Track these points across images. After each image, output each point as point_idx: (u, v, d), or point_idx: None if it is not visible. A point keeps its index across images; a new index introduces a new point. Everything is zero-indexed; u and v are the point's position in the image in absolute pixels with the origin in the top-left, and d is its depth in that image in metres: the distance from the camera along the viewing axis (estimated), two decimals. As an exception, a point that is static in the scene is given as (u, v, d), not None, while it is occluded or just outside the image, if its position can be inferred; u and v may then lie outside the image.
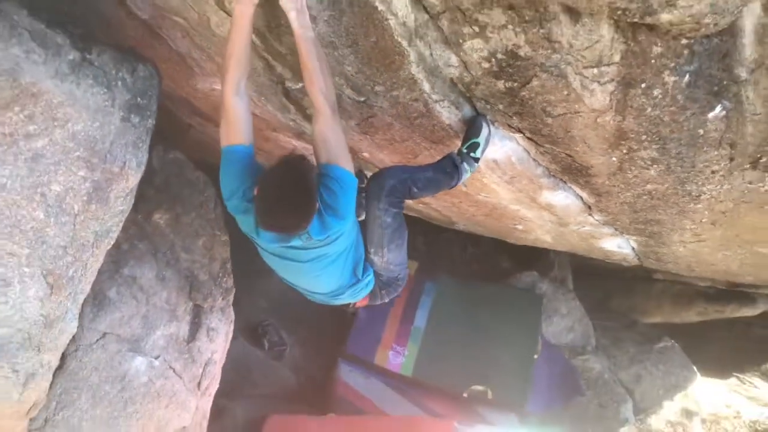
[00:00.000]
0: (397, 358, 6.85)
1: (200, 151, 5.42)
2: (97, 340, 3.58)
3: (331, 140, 2.67)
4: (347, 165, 2.70)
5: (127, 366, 3.69)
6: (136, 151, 3.02)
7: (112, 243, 3.13)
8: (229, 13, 2.95)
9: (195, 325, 4.16)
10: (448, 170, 3.39)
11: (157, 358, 3.85)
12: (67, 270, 2.95)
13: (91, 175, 2.90)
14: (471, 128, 3.43)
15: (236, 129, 2.66)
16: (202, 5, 2.95)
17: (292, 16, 2.56)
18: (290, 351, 7.05)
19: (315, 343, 7.32)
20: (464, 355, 6.84)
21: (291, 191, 2.45)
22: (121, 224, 3.13)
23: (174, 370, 3.95)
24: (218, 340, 4.36)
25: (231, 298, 4.53)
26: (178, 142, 3.40)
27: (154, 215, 3.95)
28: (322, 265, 2.89)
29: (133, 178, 3.05)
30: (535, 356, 6.89)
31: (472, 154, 3.42)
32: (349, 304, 3.27)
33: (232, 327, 4.59)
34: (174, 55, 3.68)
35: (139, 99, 2.99)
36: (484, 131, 3.38)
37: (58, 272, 2.93)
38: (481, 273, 8.45)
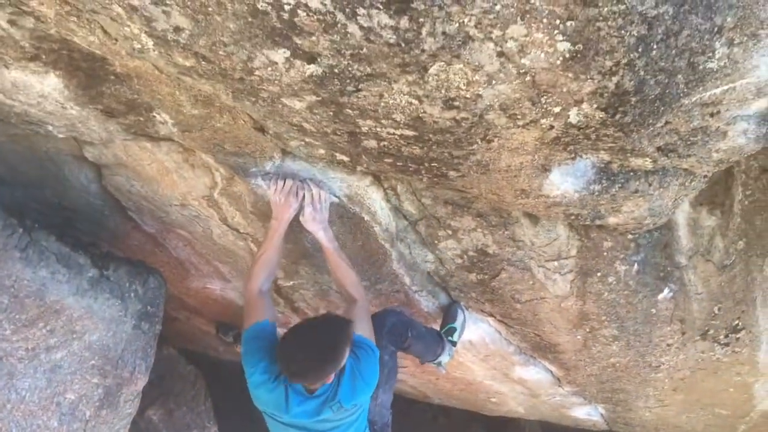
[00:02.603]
0: None
1: (184, 341, 5.60)
2: None
3: (363, 320, 2.92)
4: (372, 339, 2.91)
5: None
6: (144, 356, 3.25)
7: (119, 445, 3.27)
8: (230, 227, 3.31)
9: None
10: (436, 338, 3.62)
11: None
12: (75, 478, 3.06)
13: (104, 381, 3.10)
14: (447, 314, 3.74)
15: (260, 312, 2.87)
16: (208, 222, 3.31)
17: (320, 235, 2.93)
18: None
19: None
20: None
21: (320, 338, 2.57)
22: (128, 426, 3.28)
23: None
24: None
25: (219, 491, 4.56)
26: (163, 332, 3.61)
27: (148, 411, 4.08)
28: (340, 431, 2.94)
29: (141, 382, 3.26)
30: None
31: (449, 338, 3.70)
32: None
33: None
34: (173, 260, 3.99)
35: (149, 307, 3.27)
36: (460, 317, 3.70)
37: (67, 481, 3.04)
38: (454, 445, 8.41)
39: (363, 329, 2.89)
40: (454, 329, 3.70)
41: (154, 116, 2.63)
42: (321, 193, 2.87)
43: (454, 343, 3.73)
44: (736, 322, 3.54)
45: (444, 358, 3.71)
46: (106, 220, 3.60)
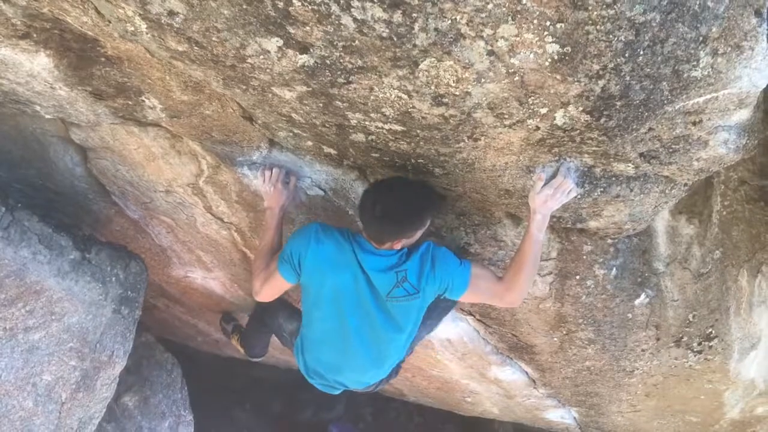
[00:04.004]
0: None
1: (162, 331, 5.60)
2: None
3: (487, 282, 2.69)
4: (474, 288, 2.67)
5: None
6: (123, 340, 3.25)
7: (94, 429, 3.26)
8: (214, 215, 3.31)
9: None
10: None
11: None
12: (49, 459, 3.06)
13: (81, 364, 3.09)
14: None
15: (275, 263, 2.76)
16: (192, 209, 3.31)
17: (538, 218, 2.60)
18: None
19: None
20: None
21: (411, 192, 2.53)
22: (104, 410, 3.28)
23: None
24: None
25: (192, 481, 4.55)
26: (142, 320, 3.62)
27: (123, 397, 4.07)
28: (389, 335, 2.77)
29: (119, 366, 3.26)
30: None
31: None
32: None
33: None
34: (155, 246, 3.99)
35: (129, 292, 3.27)
36: None
37: (41, 462, 3.03)
38: (428, 444, 8.47)
39: (479, 272, 2.71)
40: None
41: (143, 101, 2.63)
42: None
43: None
44: (710, 330, 3.60)
45: None
46: (90, 203, 3.59)
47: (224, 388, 7.68)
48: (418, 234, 2.63)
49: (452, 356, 4.39)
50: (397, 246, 2.60)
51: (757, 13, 1.80)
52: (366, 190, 2.64)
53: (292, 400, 8.09)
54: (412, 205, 2.54)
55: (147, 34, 1.96)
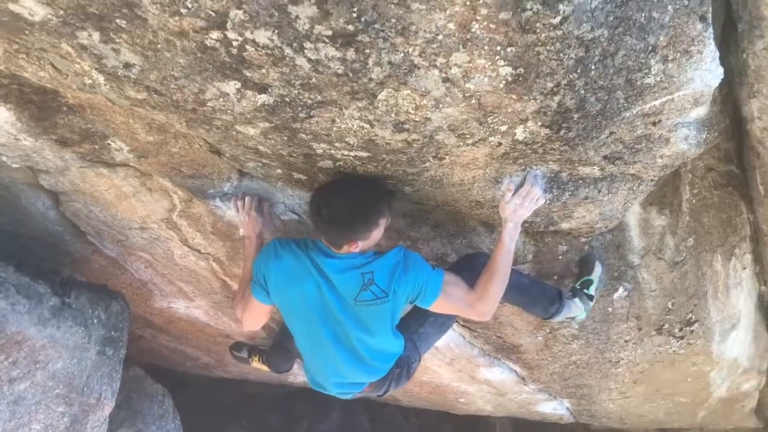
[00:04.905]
0: None
1: (150, 357, 5.59)
2: None
3: (459, 290, 2.62)
4: (446, 296, 2.58)
5: None
6: (110, 381, 3.25)
7: (87, 474, 3.26)
8: (191, 248, 3.32)
9: None
10: (548, 293, 3.17)
11: None
12: None
13: (69, 409, 3.09)
14: (582, 267, 3.32)
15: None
16: (168, 243, 3.31)
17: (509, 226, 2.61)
18: None
19: None
20: None
21: (356, 193, 2.44)
22: (96, 454, 3.27)
23: None
24: None
25: None
26: (129, 350, 3.62)
27: (116, 434, 4.07)
28: (363, 339, 2.66)
29: (108, 407, 3.25)
30: None
31: (585, 291, 3.25)
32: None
33: None
34: (136, 281, 3.98)
35: (112, 332, 3.26)
36: (597, 269, 3.27)
37: None
38: (426, 445, 8.50)
39: (452, 283, 2.61)
40: (590, 282, 3.25)
41: (110, 144, 2.63)
42: None
43: (590, 297, 3.24)
44: (690, 315, 3.66)
45: (571, 312, 3.22)
46: (66, 245, 3.58)
47: (219, 407, 7.66)
48: (374, 234, 2.53)
49: (440, 362, 4.42)
50: (355, 249, 2.52)
51: (702, 19, 1.84)
52: (312, 194, 2.56)
53: (288, 412, 8.09)
54: (357, 205, 2.45)
55: (105, 85, 1.97)
